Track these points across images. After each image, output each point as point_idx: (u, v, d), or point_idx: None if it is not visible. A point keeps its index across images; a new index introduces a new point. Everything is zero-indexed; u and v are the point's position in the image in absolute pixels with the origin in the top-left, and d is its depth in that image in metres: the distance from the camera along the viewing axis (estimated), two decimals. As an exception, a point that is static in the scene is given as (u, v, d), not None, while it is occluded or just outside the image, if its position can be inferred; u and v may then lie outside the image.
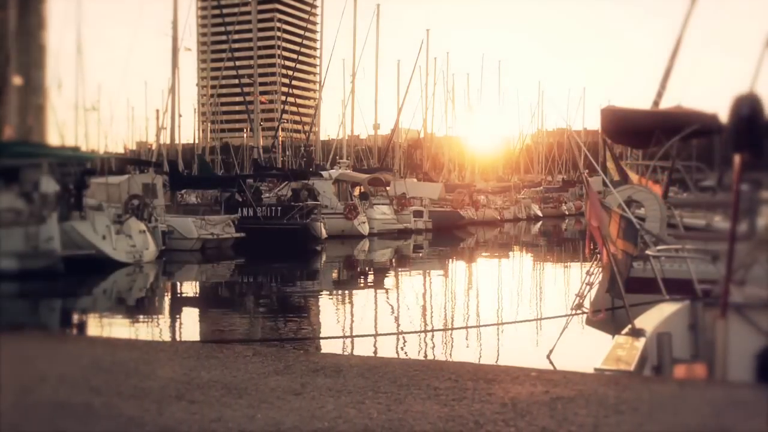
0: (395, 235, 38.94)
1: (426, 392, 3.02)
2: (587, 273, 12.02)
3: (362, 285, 22.67)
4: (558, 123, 78.22)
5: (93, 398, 2.98)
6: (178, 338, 12.60)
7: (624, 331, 4.13)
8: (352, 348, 11.01)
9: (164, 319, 15.39)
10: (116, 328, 14.28)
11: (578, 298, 10.02)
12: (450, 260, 30.77)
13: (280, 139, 60.13)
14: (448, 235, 41.66)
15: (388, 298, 19.08)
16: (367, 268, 27.30)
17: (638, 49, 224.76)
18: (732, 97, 4.46)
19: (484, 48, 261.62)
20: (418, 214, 43.06)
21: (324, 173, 39.09)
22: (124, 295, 20.65)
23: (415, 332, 13.00)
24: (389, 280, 23.34)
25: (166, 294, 20.91)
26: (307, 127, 54.37)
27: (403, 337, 12.36)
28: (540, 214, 60.35)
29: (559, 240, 43.46)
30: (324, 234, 32.87)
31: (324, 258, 30.09)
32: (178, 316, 15.93)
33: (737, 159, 4.40)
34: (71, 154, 24.87)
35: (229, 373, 3.41)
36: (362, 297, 19.14)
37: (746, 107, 4.36)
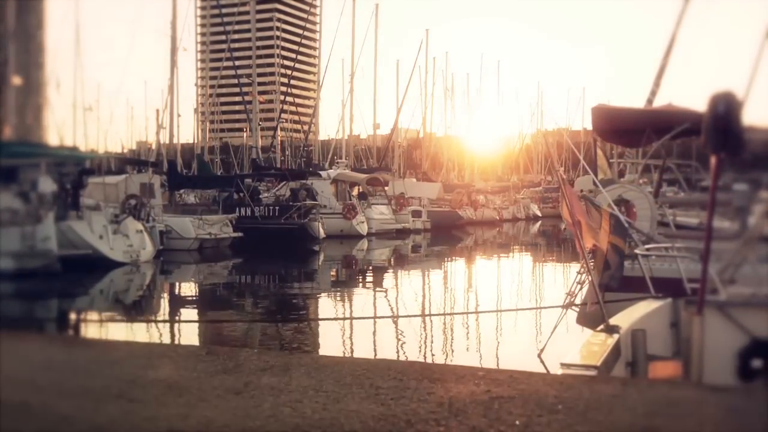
0: (393, 235, 38.96)
1: (367, 391, 3.03)
2: (578, 272, 12.07)
3: (352, 285, 22.63)
4: (555, 124, 78.07)
5: (32, 397, 2.98)
6: (143, 339, 12.45)
7: (598, 328, 4.13)
8: (321, 347, 11.14)
9: (139, 319, 15.25)
10: (89, 326, 14.30)
11: (569, 296, 10.04)
12: (445, 260, 30.80)
13: (279, 138, 60.05)
14: (446, 234, 41.66)
15: (376, 297, 19.05)
16: (362, 268, 27.31)
17: (639, 47, 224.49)
18: (708, 96, 4.47)
19: (483, 48, 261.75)
20: (416, 213, 43.07)
21: (322, 173, 39.13)
22: (112, 294, 20.66)
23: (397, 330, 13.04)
24: (381, 280, 23.38)
25: (151, 294, 20.81)
26: (306, 127, 54.41)
27: (375, 336, 12.51)
28: (539, 213, 60.30)
29: (558, 240, 43.45)
30: (322, 234, 32.91)
31: (321, 258, 30.10)
32: (153, 316, 15.78)
33: (714, 159, 4.41)
34: (68, 153, 24.85)
35: (177, 372, 3.42)
36: (349, 297, 19.08)
37: (722, 106, 4.35)
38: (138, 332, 13.42)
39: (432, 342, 12.31)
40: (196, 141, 42.99)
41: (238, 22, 44.65)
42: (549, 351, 8.92)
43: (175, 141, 37.28)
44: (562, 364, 3.45)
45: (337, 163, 46.29)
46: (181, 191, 37.54)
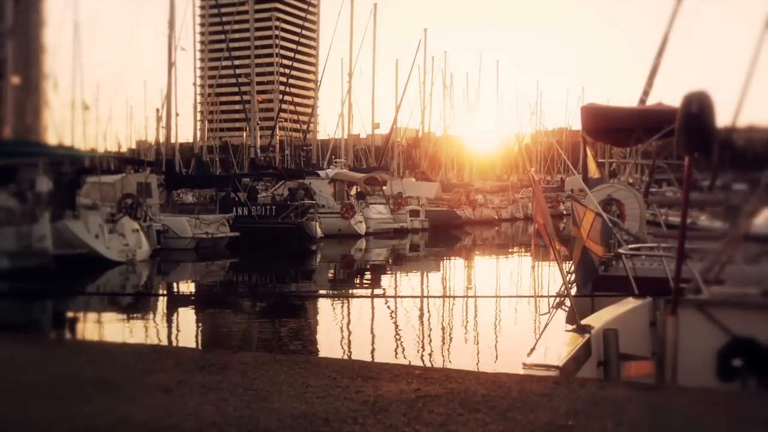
0: (391, 235, 38.98)
1: (296, 390, 3.02)
2: (568, 272, 12.07)
3: (341, 284, 22.61)
4: (553, 124, 78.15)
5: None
6: (99, 337, 12.41)
7: (569, 328, 4.12)
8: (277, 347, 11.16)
9: (104, 319, 15.04)
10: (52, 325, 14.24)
11: (558, 297, 10.05)
12: (442, 259, 30.80)
13: (278, 138, 60.07)
14: (444, 234, 41.65)
15: (362, 297, 19.03)
16: (358, 268, 27.30)
17: (639, 46, 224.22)
18: (682, 96, 4.46)
19: (482, 47, 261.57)
20: (414, 213, 43.08)
21: (320, 173, 39.14)
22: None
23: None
24: (371, 279, 23.42)
25: (134, 292, 20.69)
26: (305, 127, 54.42)
27: (347, 336, 12.56)
28: (538, 213, 60.11)
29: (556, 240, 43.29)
30: (319, 233, 32.91)
31: (318, 258, 30.09)
32: (122, 315, 15.56)
33: (687, 159, 4.40)
34: (65, 153, 24.90)
35: (115, 371, 3.42)
36: (333, 297, 19.05)
37: (695, 105, 4.34)
38: (101, 330, 13.36)
39: (402, 342, 12.29)
40: (194, 140, 42.93)
41: (237, 22, 44.69)
42: (539, 352, 8.91)
43: (173, 140, 37.38)
44: (524, 365, 3.43)
45: (335, 162, 46.29)
46: (180, 191, 37.58)
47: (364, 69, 55.45)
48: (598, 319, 4.65)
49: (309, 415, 2.65)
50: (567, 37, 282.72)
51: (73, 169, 24.85)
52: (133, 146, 75.81)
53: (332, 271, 26.72)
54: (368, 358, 10.34)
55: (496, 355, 11.24)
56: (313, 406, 2.76)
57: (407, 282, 22.73)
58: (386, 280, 23.01)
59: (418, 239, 39.20)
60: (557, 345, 3.92)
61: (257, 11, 44.31)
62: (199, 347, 11.39)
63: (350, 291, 20.11)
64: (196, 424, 2.60)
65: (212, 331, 13.70)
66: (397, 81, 60.11)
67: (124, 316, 14.95)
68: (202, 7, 50.17)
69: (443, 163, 65.54)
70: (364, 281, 23.23)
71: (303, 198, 34.04)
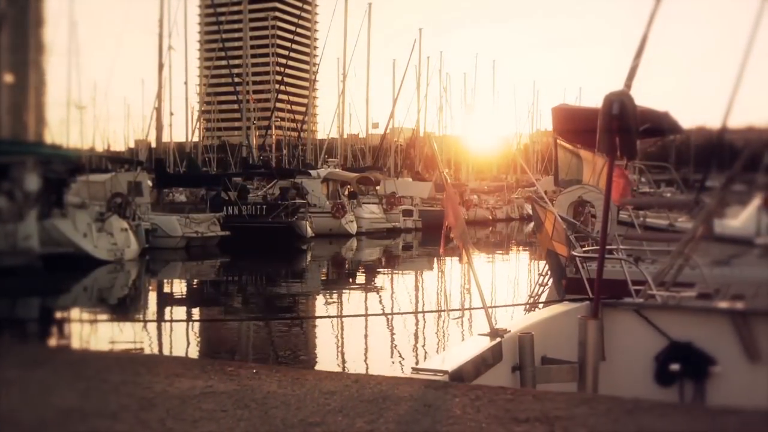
0: (384, 234, 38.99)
1: (97, 386, 3.04)
2: (540, 274, 12.07)
3: (317, 284, 22.66)
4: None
5: None
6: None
7: (481, 332, 4.07)
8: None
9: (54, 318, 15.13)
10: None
11: (531, 298, 10.07)
12: (431, 259, 30.74)
13: (274, 137, 60.11)
14: (437, 234, 41.12)
15: (341, 296, 19.12)
16: (340, 269, 27.29)
17: (635, 46, 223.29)
18: (603, 96, 4.46)
19: (478, 47, 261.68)
20: (407, 213, 43.09)
21: (312, 172, 39.15)
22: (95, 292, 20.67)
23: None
24: (353, 277, 23.44)
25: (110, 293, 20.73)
26: (301, 126, 54.40)
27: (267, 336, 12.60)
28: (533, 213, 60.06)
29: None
30: (310, 233, 32.90)
31: (308, 257, 30.09)
32: (81, 316, 15.56)
33: (607, 160, 4.39)
34: (54, 152, 24.89)
35: None
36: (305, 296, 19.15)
37: (616, 107, 4.33)
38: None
39: (340, 342, 12.34)
40: (187, 139, 42.99)
41: (233, 21, 44.71)
42: (437, 357, 8.77)
43: (166, 139, 37.43)
44: (413, 369, 3.38)
45: (328, 162, 46.31)
46: (172, 190, 37.57)
47: (358, 69, 55.48)
48: (524, 323, 4.60)
49: (79, 409, 2.64)
50: (567, 37, 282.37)
51: (63, 168, 24.84)
52: (132, 145, 75.89)
53: (315, 271, 26.71)
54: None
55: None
56: (90, 401, 2.77)
57: (373, 293, 22.28)
58: (363, 281, 22.98)
59: (411, 239, 39.19)
60: (462, 349, 3.87)
61: (255, 11, 44.37)
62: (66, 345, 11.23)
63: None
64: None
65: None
66: (394, 81, 60.14)
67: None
68: (199, 6, 50.27)
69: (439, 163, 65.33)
70: (357, 282, 23.20)
71: (295, 197, 34.05)
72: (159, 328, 13.49)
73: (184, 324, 13.61)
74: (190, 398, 2.83)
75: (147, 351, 11.03)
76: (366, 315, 14.94)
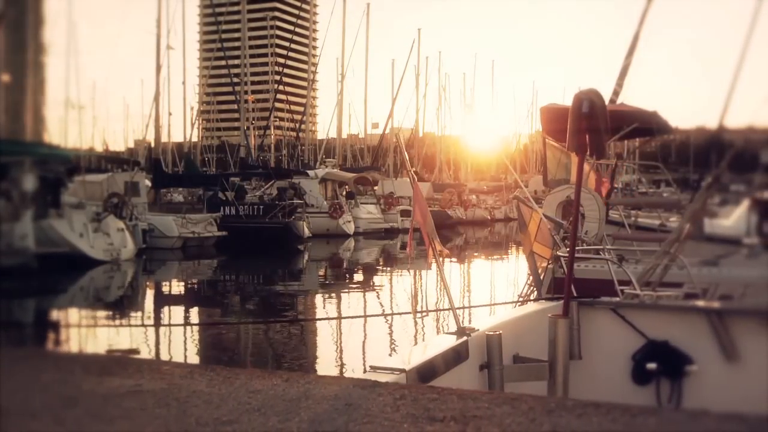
0: (381, 235, 38.99)
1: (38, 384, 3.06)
2: (529, 273, 12.08)
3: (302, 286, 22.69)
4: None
5: None
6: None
7: (448, 330, 4.07)
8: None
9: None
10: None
11: (521, 299, 10.07)
12: (426, 260, 30.62)
13: (273, 137, 60.11)
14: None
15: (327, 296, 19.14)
16: (334, 269, 27.31)
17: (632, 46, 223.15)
18: (573, 95, 4.46)
19: (477, 47, 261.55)
20: (405, 213, 43.03)
21: (310, 172, 39.17)
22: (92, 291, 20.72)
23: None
24: (345, 281, 23.46)
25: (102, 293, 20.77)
26: (300, 126, 54.38)
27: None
28: (532, 213, 59.92)
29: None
30: (307, 233, 32.91)
31: (305, 258, 30.09)
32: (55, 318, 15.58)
33: (577, 158, 4.40)
34: (51, 152, 24.93)
35: None
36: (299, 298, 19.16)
37: (586, 105, 4.34)
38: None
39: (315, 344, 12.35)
40: (184, 139, 43.04)
41: (232, 21, 44.73)
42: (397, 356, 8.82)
43: (165, 139, 37.44)
44: (371, 367, 3.37)
45: (325, 162, 46.31)
46: (170, 190, 37.62)
47: (357, 70, 55.52)
48: (495, 321, 4.60)
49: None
50: (567, 37, 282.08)
51: (60, 167, 24.84)
52: (132, 145, 75.88)
53: (311, 272, 26.73)
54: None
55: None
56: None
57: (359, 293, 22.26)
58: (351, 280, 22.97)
59: (408, 239, 39.09)
60: (425, 348, 3.87)
61: (254, 11, 44.39)
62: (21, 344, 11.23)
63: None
64: None
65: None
66: (393, 81, 60.17)
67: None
68: (199, 7, 50.32)
69: (438, 163, 65.48)
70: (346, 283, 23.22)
71: (293, 198, 34.07)
72: (137, 331, 13.42)
73: (167, 327, 13.62)
74: (114, 397, 2.84)
75: (116, 353, 10.94)
76: (339, 318, 15.02)
